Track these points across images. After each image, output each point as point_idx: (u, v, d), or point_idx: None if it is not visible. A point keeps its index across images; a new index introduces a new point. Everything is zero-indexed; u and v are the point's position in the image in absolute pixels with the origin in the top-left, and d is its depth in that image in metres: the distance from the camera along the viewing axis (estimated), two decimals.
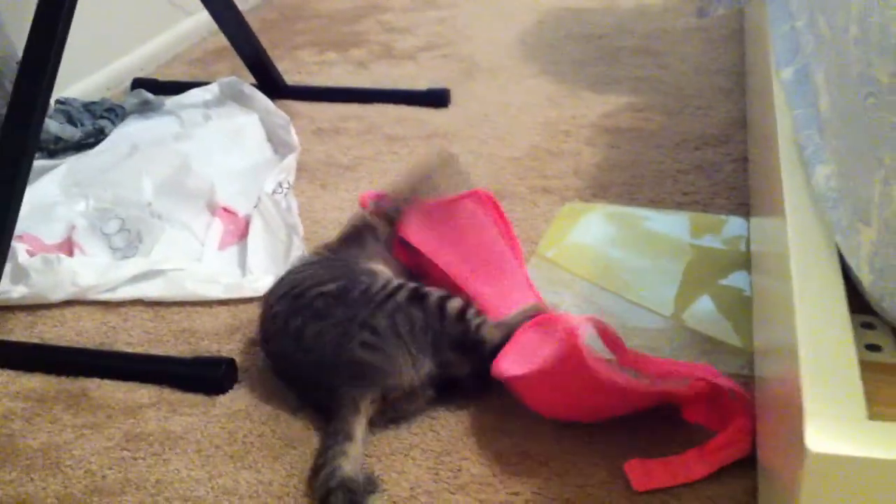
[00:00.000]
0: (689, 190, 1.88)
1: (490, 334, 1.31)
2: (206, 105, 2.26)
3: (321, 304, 1.32)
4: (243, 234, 1.75)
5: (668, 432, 1.25)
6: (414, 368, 1.28)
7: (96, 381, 1.42)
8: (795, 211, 0.97)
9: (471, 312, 1.32)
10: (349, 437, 1.21)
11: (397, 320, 1.29)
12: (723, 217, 1.77)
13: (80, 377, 1.43)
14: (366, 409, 1.26)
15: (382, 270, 1.41)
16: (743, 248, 1.67)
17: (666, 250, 1.68)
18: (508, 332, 1.31)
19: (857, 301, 0.88)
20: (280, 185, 1.84)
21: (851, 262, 0.84)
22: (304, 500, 1.20)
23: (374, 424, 1.29)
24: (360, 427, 1.23)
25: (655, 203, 1.84)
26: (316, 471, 1.20)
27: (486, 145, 2.11)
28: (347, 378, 1.27)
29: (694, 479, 1.18)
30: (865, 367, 0.77)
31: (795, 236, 0.91)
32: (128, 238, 1.72)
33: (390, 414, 1.29)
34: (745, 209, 1.79)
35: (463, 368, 1.32)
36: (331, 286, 1.35)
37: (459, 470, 1.23)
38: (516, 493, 1.19)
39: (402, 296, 1.32)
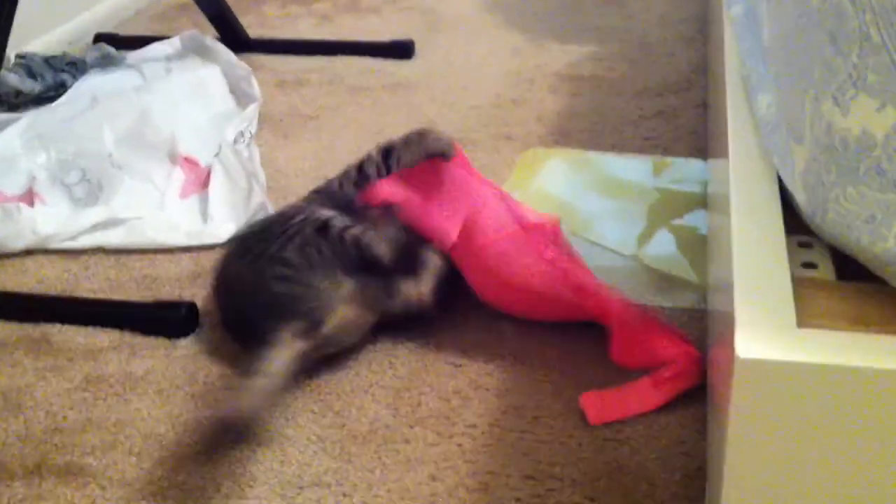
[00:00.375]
0: (650, 135, 1.89)
1: (380, 249, 1.31)
2: (168, 59, 2.24)
3: (250, 242, 1.34)
4: (205, 184, 1.75)
5: (622, 368, 1.27)
6: (336, 290, 1.28)
7: (57, 326, 1.42)
8: (738, 141, 0.99)
9: (362, 234, 1.32)
10: (264, 372, 1.21)
11: (307, 251, 1.29)
12: (682, 160, 1.79)
13: (41, 323, 1.43)
14: (287, 341, 1.25)
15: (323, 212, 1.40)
16: (701, 189, 1.69)
17: (628, 193, 1.69)
18: (397, 243, 1.33)
19: (798, 225, 0.89)
20: (241, 133, 1.84)
21: (787, 182, 0.85)
22: (264, 434, 1.20)
23: (312, 358, 1.28)
24: (279, 361, 1.22)
25: (617, 148, 1.86)
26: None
27: (450, 95, 2.11)
28: (268, 315, 1.27)
29: (648, 409, 1.20)
30: (799, 283, 0.78)
31: (737, 166, 0.92)
32: (88, 188, 1.71)
33: (329, 348, 1.30)
34: (704, 153, 1.80)
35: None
36: (265, 223, 1.38)
37: (418, 405, 1.24)
38: (473, 426, 1.21)
39: (309, 228, 1.32)
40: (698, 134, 1.87)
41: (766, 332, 0.68)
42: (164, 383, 1.30)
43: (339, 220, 1.34)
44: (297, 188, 1.74)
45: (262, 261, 1.30)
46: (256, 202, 1.61)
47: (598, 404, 1.20)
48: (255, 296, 1.28)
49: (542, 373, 1.28)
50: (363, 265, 1.30)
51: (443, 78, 2.19)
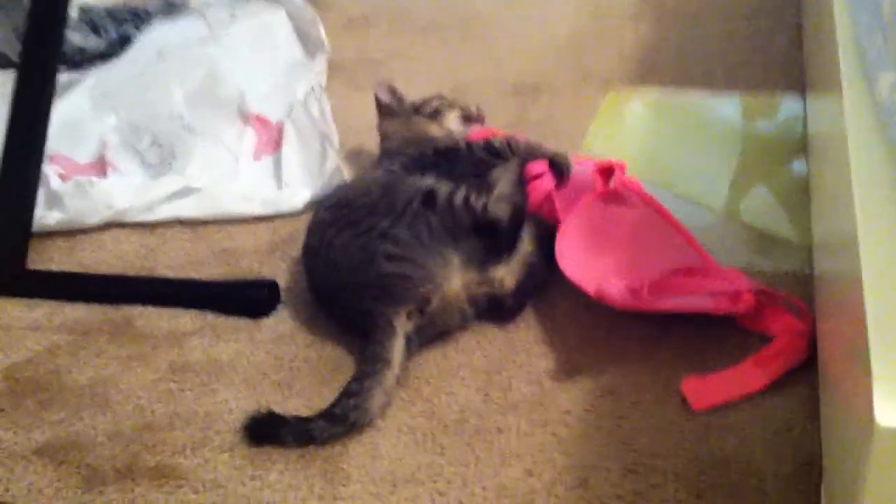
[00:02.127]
0: (740, 66, 1.78)
1: (497, 210, 1.28)
2: (232, 2, 2.17)
3: (356, 216, 1.29)
4: (277, 144, 1.70)
5: (722, 344, 1.21)
6: (445, 267, 1.24)
7: (139, 308, 1.40)
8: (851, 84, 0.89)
9: (474, 197, 1.27)
10: (386, 363, 1.19)
11: (417, 227, 1.25)
12: (777, 97, 1.68)
13: (123, 305, 1.41)
14: (402, 326, 1.23)
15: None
16: (799, 129, 1.58)
17: (717, 138, 1.60)
18: (513, 204, 1.29)
19: None
20: (312, 89, 1.77)
21: None
22: None
23: (415, 343, 1.25)
24: (397, 349, 1.21)
25: (704, 84, 1.75)
26: (348, 394, 1.16)
27: (525, 29, 2.01)
28: (378, 295, 1.23)
29: (752, 392, 1.14)
30: None
31: (858, 157, 0.84)
32: (160, 153, 1.68)
33: (430, 330, 1.26)
34: (801, 85, 1.69)
35: (499, 271, 1.29)
36: (374, 195, 1.31)
37: (509, 389, 1.20)
38: (567, 412, 1.16)
39: (416, 200, 1.27)
40: (794, 61, 1.74)
41: None
42: (250, 370, 1.28)
43: (443, 185, 1.29)
44: (371, 146, 1.68)
45: (372, 236, 1.25)
46: (331, 166, 1.56)
47: (701, 389, 1.15)
48: (363, 273, 1.24)
49: (638, 353, 1.22)
50: (474, 230, 1.26)
51: (516, 10, 2.08)
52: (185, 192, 1.60)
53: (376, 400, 1.16)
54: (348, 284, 1.26)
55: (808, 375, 1.14)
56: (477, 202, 1.27)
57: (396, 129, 1.54)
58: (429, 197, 1.27)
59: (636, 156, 1.57)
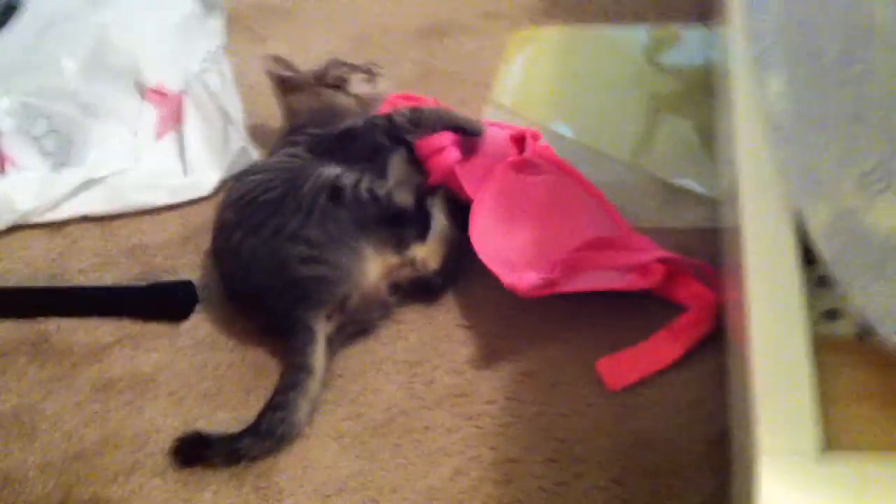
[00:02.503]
0: None
1: (402, 199, 1.28)
2: None
3: (260, 215, 1.27)
4: (178, 118, 1.66)
5: (636, 317, 1.23)
6: (360, 262, 1.25)
7: (55, 321, 1.39)
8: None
9: (378, 188, 1.28)
10: (309, 371, 1.19)
11: (326, 225, 1.24)
12: (683, 29, 1.66)
13: (38, 318, 1.39)
14: (322, 330, 1.23)
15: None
16: (705, 64, 1.57)
17: (625, 79, 1.59)
18: (413, 187, 1.29)
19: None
20: (210, 53, 1.71)
21: (807, 223, 0.78)
22: None
23: (337, 342, 1.26)
24: (318, 355, 1.21)
25: (611, 14, 1.72)
26: (273, 408, 1.17)
27: None
28: (294, 299, 1.23)
29: (666, 365, 1.17)
30: (822, 347, 0.73)
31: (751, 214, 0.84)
32: (58, 141, 1.62)
33: (351, 328, 1.26)
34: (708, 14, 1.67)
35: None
36: (275, 192, 1.29)
37: (433, 382, 1.22)
38: (491, 402, 1.19)
39: (322, 196, 1.26)
40: None
41: (790, 466, 0.63)
42: (175, 382, 1.28)
43: (347, 177, 1.28)
44: (274, 106, 1.64)
45: (281, 239, 1.24)
46: (236, 147, 1.53)
47: (615, 368, 1.18)
48: (277, 278, 1.24)
49: (555, 332, 1.24)
50: (383, 219, 1.26)
51: None
52: (87, 184, 1.56)
53: (302, 411, 1.18)
54: (262, 289, 1.25)
55: (715, 344, 1.17)
56: (381, 190, 1.26)
57: (303, 102, 1.50)
58: (335, 192, 1.26)
59: (544, 104, 1.56)
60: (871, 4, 0.62)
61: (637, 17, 1.70)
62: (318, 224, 1.23)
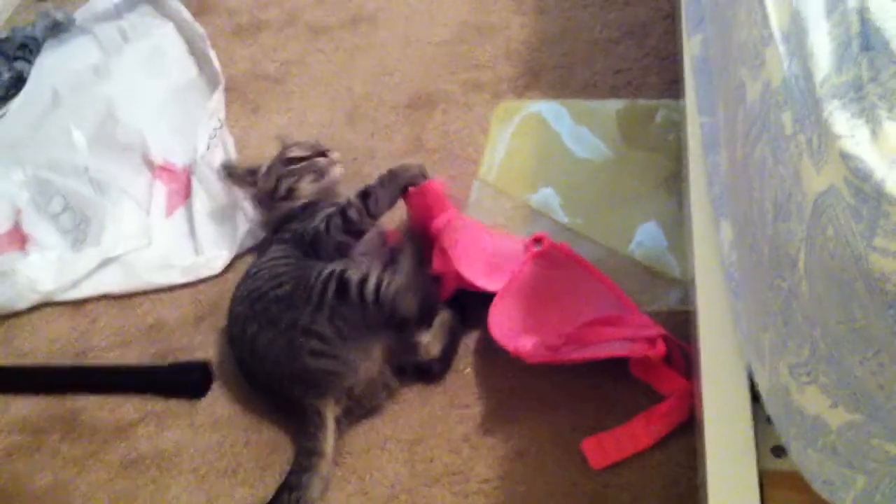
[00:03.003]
0: (621, 67, 1.87)
1: (407, 308, 1.37)
2: (118, 11, 2.17)
3: (274, 310, 1.38)
4: (186, 193, 1.77)
5: (614, 402, 1.36)
6: (368, 360, 1.36)
7: (81, 399, 1.51)
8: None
9: (382, 289, 1.36)
10: (321, 454, 1.32)
11: (336, 322, 1.35)
12: (654, 103, 1.78)
13: (66, 395, 1.51)
14: (331, 413, 1.36)
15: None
16: (674, 138, 1.69)
17: (603, 157, 1.70)
18: (419, 293, 1.38)
19: None
20: (214, 130, 1.82)
21: (753, 371, 0.91)
22: None
23: (345, 423, 1.39)
24: (328, 440, 1.34)
25: (588, 88, 1.85)
26: (289, 488, 1.30)
27: (414, 27, 2.06)
28: (305, 388, 1.35)
29: (643, 448, 1.30)
30: (770, 482, 0.86)
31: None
32: (74, 218, 1.74)
33: (358, 412, 1.39)
34: (677, 87, 1.79)
35: (413, 348, 1.40)
36: (286, 288, 1.40)
37: (432, 461, 1.35)
38: (486, 481, 1.32)
39: (330, 290, 1.37)
40: (671, 59, 1.84)
41: None
42: (196, 459, 1.40)
43: (352, 273, 1.38)
44: None
45: (296, 332, 1.35)
46: (243, 230, 1.64)
47: (598, 449, 1.31)
48: (289, 368, 1.35)
49: (539, 413, 1.37)
50: (388, 325, 1.36)
51: (404, 4, 2.13)
52: (105, 263, 1.67)
53: (316, 489, 1.30)
54: (275, 376, 1.37)
55: (687, 432, 1.30)
56: (388, 291, 1.37)
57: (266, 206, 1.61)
58: (341, 287, 1.37)
59: (528, 183, 1.68)
60: (794, 238, 0.72)
61: (613, 90, 1.82)
62: (329, 320, 1.35)
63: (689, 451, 1.29)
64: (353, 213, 1.46)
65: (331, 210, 1.48)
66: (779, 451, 0.92)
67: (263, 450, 1.40)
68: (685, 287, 1.47)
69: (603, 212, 1.61)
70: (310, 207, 1.54)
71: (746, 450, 0.88)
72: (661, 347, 1.31)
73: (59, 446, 1.46)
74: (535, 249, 1.46)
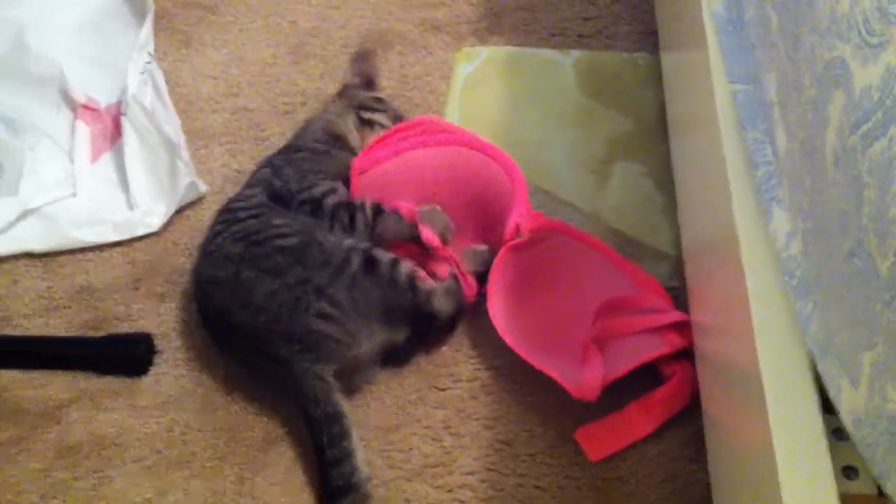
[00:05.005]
0: (590, 14, 1.74)
1: (440, 304, 1.27)
2: None
3: (281, 261, 1.24)
4: (114, 135, 1.58)
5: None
6: (369, 340, 1.25)
7: (3, 374, 1.33)
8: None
9: (420, 279, 1.26)
10: (344, 414, 1.20)
11: (355, 293, 1.23)
12: (626, 56, 1.66)
13: None
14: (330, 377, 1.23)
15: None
16: (652, 96, 1.58)
17: (575, 111, 1.59)
18: (458, 302, 1.28)
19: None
20: (145, 67, 1.62)
21: (827, 386, 0.82)
22: None
23: None
24: (342, 400, 1.21)
25: (555, 36, 1.72)
26: (332, 464, 1.17)
27: None
28: (301, 349, 1.22)
29: (640, 437, 1.22)
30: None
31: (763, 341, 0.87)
32: None
33: (345, 383, 1.25)
34: (652, 40, 1.68)
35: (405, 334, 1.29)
36: (293, 240, 1.26)
37: (410, 450, 1.24)
38: (470, 473, 1.21)
39: (356, 262, 1.25)
40: (645, 9, 1.72)
41: None
42: (142, 448, 1.26)
43: (379, 252, 1.26)
44: (216, 126, 1.60)
45: (307, 290, 1.22)
46: (185, 181, 1.47)
47: (594, 440, 1.21)
48: (288, 324, 1.22)
49: (526, 398, 1.27)
50: (415, 315, 1.25)
51: None
52: (23, 216, 1.47)
53: (360, 454, 1.19)
54: (266, 330, 1.23)
55: (686, 418, 1.22)
56: (423, 284, 1.25)
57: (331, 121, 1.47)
58: (370, 262, 1.25)
59: (497, 138, 1.55)
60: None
61: (581, 42, 1.69)
62: (347, 288, 1.23)
63: (691, 442, 1.21)
64: (359, 223, 1.33)
65: (339, 202, 1.35)
66: (849, 471, 0.84)
67: (221, 436, 1.26)
68: (675, 261, 1.37)
69: (576, 174, 1.49)
70: (314, 167, 1.40)
71: (824, 472, 0.79)
72: (688, 333, 1.22)
73: None
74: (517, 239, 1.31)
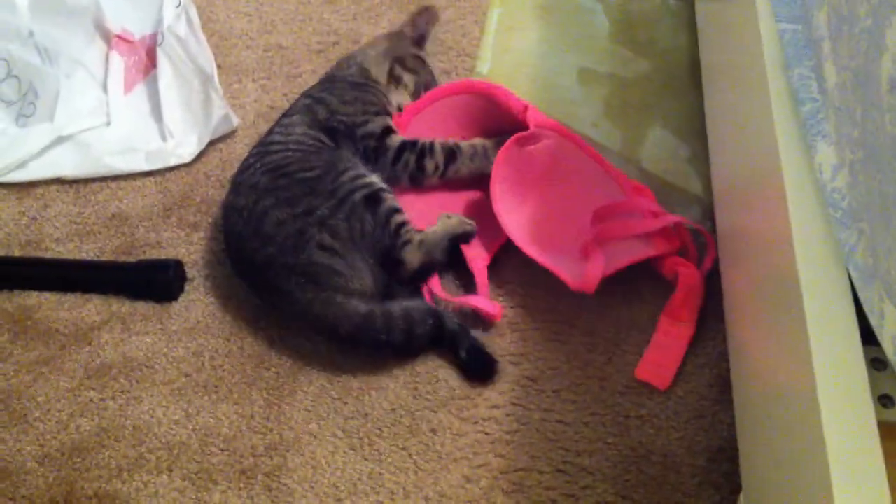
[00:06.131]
0: None
1: (410, 256, 1.26)
2: None
3: (296, 190, 1.25)
4: (147, 67, 1.59)
5: (630, 315, 1.28)
6: (370, 273, 1.25)
7: (35, 295, 1.34)
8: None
9: (405, 229, 1.26)
10: (377, 309, 1.23)
11: (353, 223, 1.24)
12: (659, 2, 1.66)
13: (14, 291, 1.34)
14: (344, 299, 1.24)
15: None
16: (686, 44, 1.58)
17: (606, 50, 1.59)
18: (429, 257, 1.27)
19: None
20: (179, 1, 1.62)
21: (874, 325, 0.82)
22: (289, 433, 1.20)
23: None
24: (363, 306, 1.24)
25: None
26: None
27: None
28: (305, 281, 1.22)
29: (689, 343, 1.24)
30: (884, 434, 0.79)
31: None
32: (19, 88, 1.53)
33: None
34: None
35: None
36: (315, 171, 1.28)
37: (437, 382, 1.24)
38: (496, 406, 1.22)
39: (359, 194, 1.25)
40: None
41: None
42: (171, 370, 1.27)
43: (390, 196, 1.28)
44: (249, 62, 1.60)
45: (310, 220, 1.23)
46: (218, 113, 1.47)
47: (654, 371, 1.23)
48: (293, 256, 1.23)
49: (550, 330, 1.27)
50: (385, 259, 1.26)
51: None
52: (57, 142, 1.48)
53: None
54: (276, 261, 1.24)
55: (711, 358, 1.23)
56: (406, 234, 1.26)
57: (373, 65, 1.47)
58: (373, 196, 1.26)
59: (528, 79, 1.55)
60: None
61: None
62: (346, 218, 1.23)
63: (716, 383, 1.21)
64: (429, 165, 1.35)
65: (404, 142, 1.36)
66: (886, 400, 0.84)
67: (249, 362, 1.27)
68: (707, 204, 1.37)
69: (609, 121, 1.49)
70: (362, 100, 1.40)
71: (863, 400, 0.79)
72: (675, 238, 1.28)
73: (9, 348, 1.30)
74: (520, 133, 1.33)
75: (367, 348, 1.23)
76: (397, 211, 1.27)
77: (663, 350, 1.24)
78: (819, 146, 0.93)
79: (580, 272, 1.24)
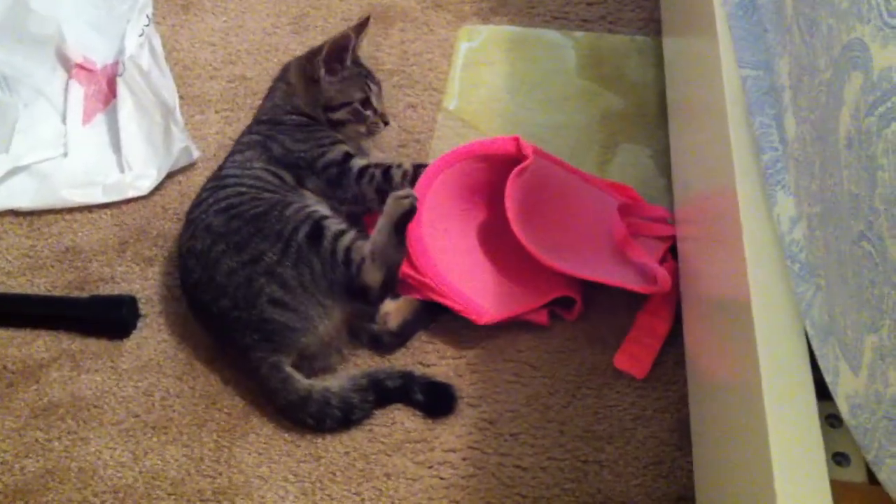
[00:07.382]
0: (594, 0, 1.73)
1: (370, 277, 1.22)
2: None
3: (244, 233, 1.22)
4: (108, 97, 1.56)
5: (594, 360, 1.25)
6: (327, 319, 1.22)
7: None
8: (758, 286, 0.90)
9: (353, 248, 1.22)
10: (312, 394, 1.19)
11: (301, 269, 1.20)
12: (627, 39, 1.65)
13: None
14: (287, 366, 1.21)
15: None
16: (653, 80, 1.57)
17: (575, 85, 1.57)
18: (386, 264, 1.22)
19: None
20: (143, 30, 1.60)
21: (824, 372, 0.80)
22: (238, 477, 1.17)
23: None
24: (302, 380, 1.21)
25: (559, 18, 1.70)
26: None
27: None
28: (258, 338, 1.19)
29: (665, 336, 1.24)
30: (835, 490, 0.76)
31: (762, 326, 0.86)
32: None
33: (306, 371, 1.22)
34: (655, 26, 1.66)
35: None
36: (261, 207, 1.24)
37: (393, 424, 1.21)
38: (452, 450, 1.19)
39: (302, 231, 1.21)
40: None
41: None
42: (119, 410, 1.23)
43: (332, 223, 1.24)
44: (213, 93, 1.58)
45: (258, 270, 1.19)
46: (178, 146, 1.45)
47: (632, 361, 1.23)
48: (245, 310, 1.19)
49: (511, 371, 1.25)
50: (349, 290, 1.22)
51: None
52: (13, 172, 1.45)
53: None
54: (229, 314, 1.20)
55: (671, 401, 1.20)
56: (357, 256, 1.21)
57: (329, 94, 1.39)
58: (315, 232, 1.22)
59: (496, 115, 1.54)
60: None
61: (584, 26, 1.67)
62: (294, 265, 1.20)
63: (676, 429, 1.19)
64: (396, 173, 1.32)
65: (369, 163, 1.34)
66: (840, 458, 0.82)
67: (200, 402, 1.24)
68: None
69: (578, 156, 1.47)
70: (313, 137, 1.36)
71: (816, 459, 0.77)
72: (666, 282, 1.23)
73: None
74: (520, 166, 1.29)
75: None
76: (342, 233, 1.23)
77: (642, 343, 1.24)
78: (778, 196, 0.91)
79: (639, 276, 1.25)
